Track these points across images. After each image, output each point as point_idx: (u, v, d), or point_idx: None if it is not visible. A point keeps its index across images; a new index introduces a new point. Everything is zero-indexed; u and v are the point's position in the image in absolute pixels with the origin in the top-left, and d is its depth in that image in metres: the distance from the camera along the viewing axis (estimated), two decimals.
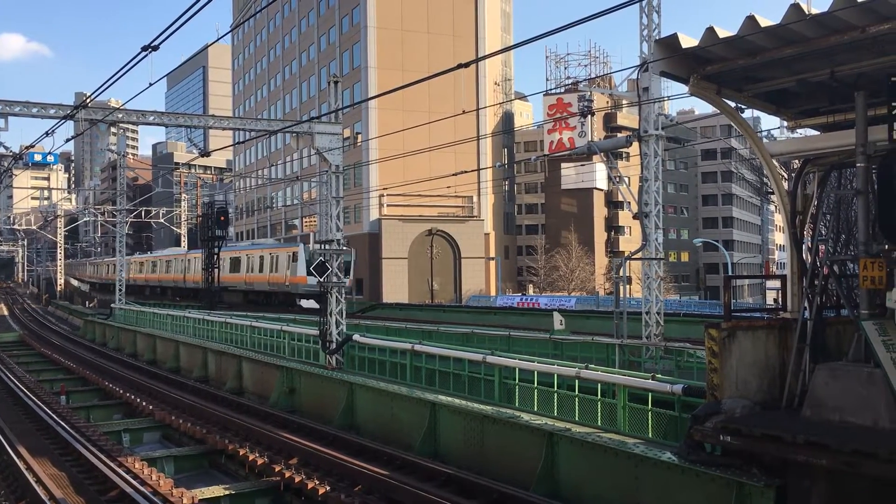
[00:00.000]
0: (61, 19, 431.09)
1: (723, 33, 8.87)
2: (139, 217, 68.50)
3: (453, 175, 37.31)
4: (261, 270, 48.88)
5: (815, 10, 8.14)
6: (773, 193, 13.53)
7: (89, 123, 21.23)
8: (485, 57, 14.55)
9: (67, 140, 25.10)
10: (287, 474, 13.26)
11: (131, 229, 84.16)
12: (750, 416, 9.19)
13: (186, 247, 70.19)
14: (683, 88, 10.06)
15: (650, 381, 12.38)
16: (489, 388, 15.55)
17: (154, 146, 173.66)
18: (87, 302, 74.93)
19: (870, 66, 8.85)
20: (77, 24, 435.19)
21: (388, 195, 62.69)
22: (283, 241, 71.04)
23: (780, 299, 11.04)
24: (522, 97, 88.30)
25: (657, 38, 18.12)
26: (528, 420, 13.01)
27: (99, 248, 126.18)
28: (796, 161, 11.14)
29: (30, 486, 12.21)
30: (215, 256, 46.72)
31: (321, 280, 20.98)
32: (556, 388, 14.02)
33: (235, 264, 52.08)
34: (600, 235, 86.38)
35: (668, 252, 76.78)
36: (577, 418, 13.32)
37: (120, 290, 45.75)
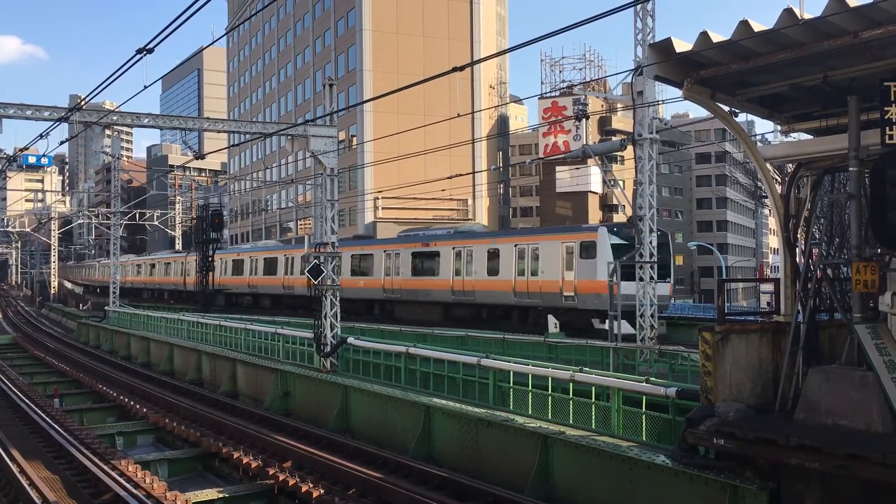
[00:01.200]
0: (57, 22, 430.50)
1: (716, 38, 8.91)
2: (133, 219, 68.35)
3: (448, 178, 37.35)
4: (493, 273, 30.73)
5: (808, 15, 8.19)
6: (767, 197, 13.58)
7: (84, 126, 21.19)
8: (480, 60, 14.62)
9: (62, 142, 24.96)
10: (281, 477, 13.24)
11: (125, 232, 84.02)
12: (743, 420, 9.22)
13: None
14: (678, 92, 10.10)
15: (644, 384, 12.41)
16: (484, 391, 15.56)
17: (149, 148, 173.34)
18: (80, 304, 74.74)
19: (863, 71, 8.90)
20: (73, 26, 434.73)
21: (383, 198, 62.66)
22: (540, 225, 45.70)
23: (773, 303, 11.07)
24: (518, 100, 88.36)
25: (651, 42, 18.17)
26: (522, 423, 13.02)
27: (93, 251, 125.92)
28: (790, 165, 11.18)
29: (23, 489, 12.17)
30: (210, 259, 46.60)
31: (315, 282, 20.93)
32: (550, 392, 14.04)
33: (426, 263, 35.09)
34: None
35: None
36: (571, 421, 13.33)
37: (114, 292, 45.64)
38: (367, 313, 37.69)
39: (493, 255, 31.13)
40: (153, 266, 68.19)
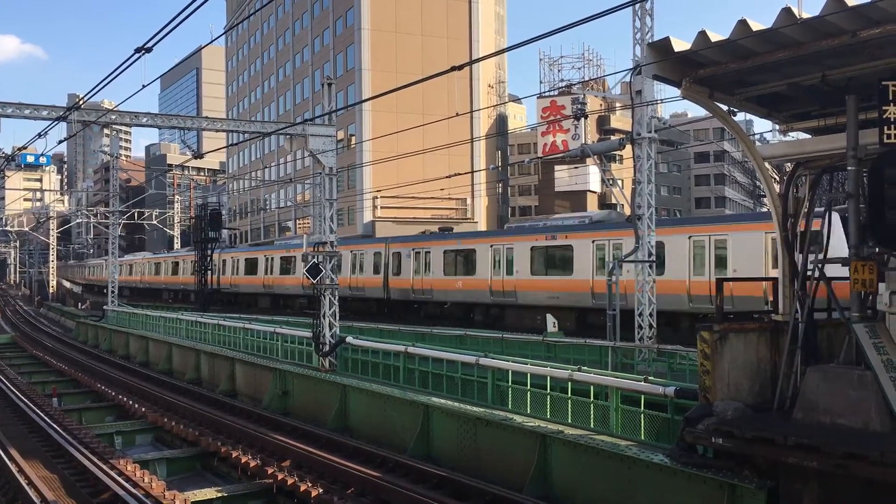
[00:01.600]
0: (56, 21, 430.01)
1: (715, 37, 8.91)
2: (132, 219, 68.29)
3: (447, 177, 37.31)
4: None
5: (806, 15, 8.19)
6: (765, 196, 13.60)
7: (82, 125, 21.18)
8: (478, 59, 14.62)
9: (60, 141, 25.01)
10: (280, 476, 13.24)
11: (124, 231, 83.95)
12: (742, 419, 9.22)
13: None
14: (676, 91, 10.10)
15: (643, 383, 12.42)
16: (482, 391, 15.56)
17: (147, 148, 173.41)
18: (79, 304, 74.67)
19: (861, 70, 8.90)
20: (72, 26, 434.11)
21: (381, 197, 62.66)
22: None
23: (771, 302, 11.08)
24: (516, 100, 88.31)
25: (650, 41, 18.17)
26: (521, 422, 13.03)
27: (91, 250, 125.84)
28: (788, 164, 11.19)
29: (22, 488, 12.17)
30: (209, 258, 46.59)
31: (314, 282, 20.92)
32: (549, 391, 14.05)
33: (553, 259, 29.50)
34: None
35: None
36: (569, 420, 13.34)
37: (112, 291, 45.65)
38: (465, 318, 32.13)
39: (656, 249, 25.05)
40: (176, 264, 63.03)
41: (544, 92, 75.98)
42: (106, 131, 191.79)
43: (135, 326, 37.86)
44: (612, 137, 55.68)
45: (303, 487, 12.62)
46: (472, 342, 22.07)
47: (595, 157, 26.41)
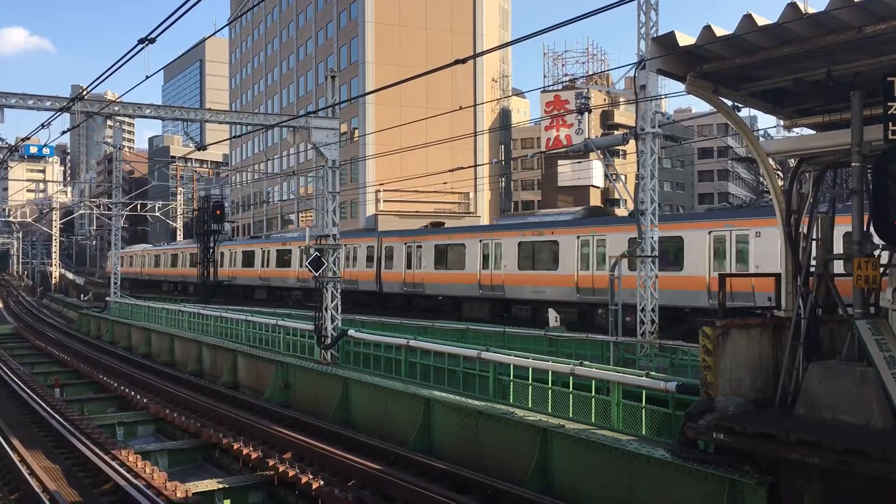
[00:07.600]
0: (64, 13, 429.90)
1: (720, 32, 8.88)
2: (135, 210, 68.26)
3: (450, 171, 37.23)
4: None
5: (811, 10, 8.16)
6: (768, 192, 13.57)
7: (85, 116, 21.17)
8: (482, 53, 14.55)
9: (63, 132, 24.90)
10: (281, 469, 13.26)
11: (127, 223, 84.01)
12: (743, 414, 9.22)
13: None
14: (680, 86, 10.08)
15: (644, 378, 12.42)
16: (484, 385, 15.57)
17: (150, 139, 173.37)
18: (81, 295, 74.78)
19: (866, 66, 8.88)
20: (79, 18, 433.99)
21: (384, 191, 62.63)
22: None
23: (774, 298, 11.06)
24: (520, 94, 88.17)
25: (655, 36, 18.12)
26: (522, 416, 13.04)
27: (94, 241, 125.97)
28: (792, 160, 11.17)
29: (23, 478, 12.20)
30: (212, 251, 46.61)
31: (316, 274, 20.93)
32: (550, 385, 14.05)
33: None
34: None
35: None
36: (571, 415, 13.34)
37: (115, 283, 45.68)
38: (456, 311, 30.26)
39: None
40: (175, 257, 61.84)
41: (548, 86, 75.81)
42: (109, 122, 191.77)
43: (137, 318, 37.90)
44: (616, 132, 55.60)
45: (304, 480, 12.63)
46: (473, 336, 22.07)
47: (598, 151, 26.41)
